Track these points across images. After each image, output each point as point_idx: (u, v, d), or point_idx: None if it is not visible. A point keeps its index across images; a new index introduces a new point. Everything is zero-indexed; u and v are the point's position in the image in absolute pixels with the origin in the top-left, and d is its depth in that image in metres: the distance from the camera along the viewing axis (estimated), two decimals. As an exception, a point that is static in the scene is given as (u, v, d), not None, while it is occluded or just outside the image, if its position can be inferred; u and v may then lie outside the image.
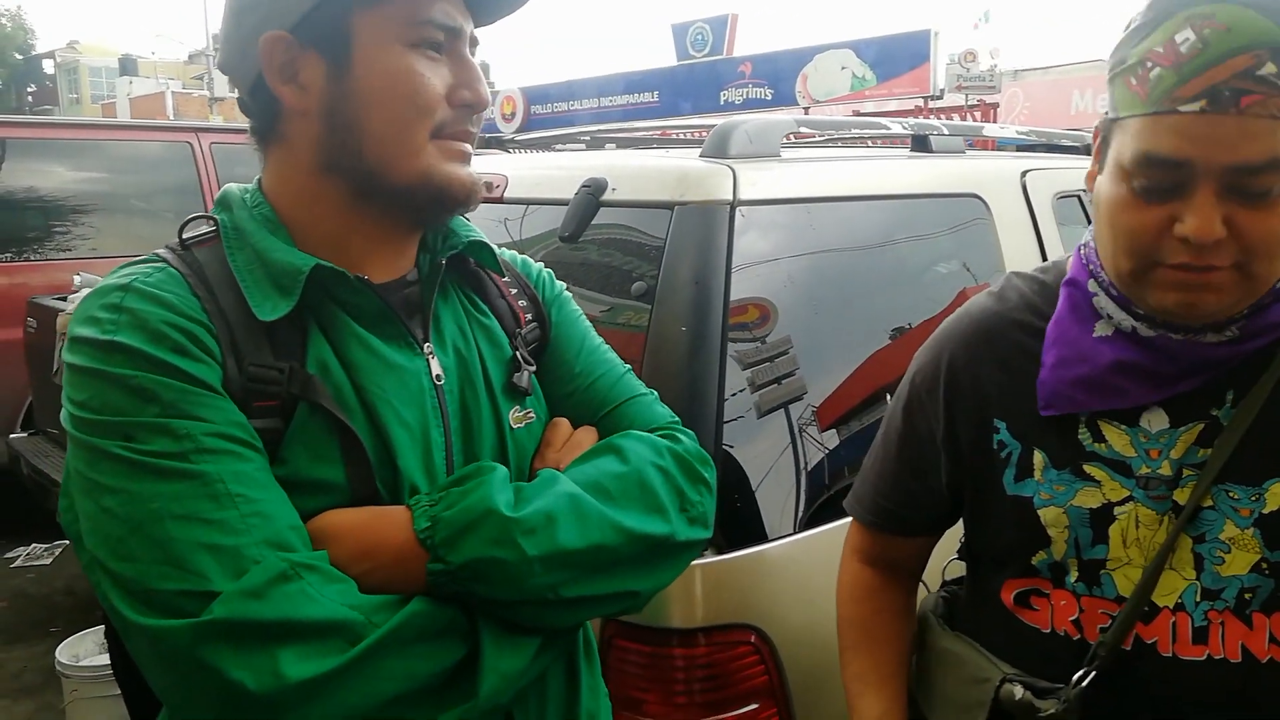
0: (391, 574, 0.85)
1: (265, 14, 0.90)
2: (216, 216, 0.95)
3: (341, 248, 0.94)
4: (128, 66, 45.92)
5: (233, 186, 0.98)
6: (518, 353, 1.04)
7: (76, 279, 4.47)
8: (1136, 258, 0.92)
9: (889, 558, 1.23)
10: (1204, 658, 0.97)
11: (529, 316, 1.09)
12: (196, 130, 6.12)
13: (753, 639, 1.40)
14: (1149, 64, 0.87)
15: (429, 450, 0.94)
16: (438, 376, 0.96)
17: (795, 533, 1.50)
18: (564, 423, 1.06)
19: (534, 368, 1.06)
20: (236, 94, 0.96)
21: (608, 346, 1.14)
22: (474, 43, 0.97)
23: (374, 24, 0.89)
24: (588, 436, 1.05)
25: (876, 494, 1.19)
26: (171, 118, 29.57)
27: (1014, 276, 1.13)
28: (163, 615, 0.76)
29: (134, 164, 5.79)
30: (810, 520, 1.52)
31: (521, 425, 1.02)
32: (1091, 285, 1.01)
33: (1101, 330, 1.00)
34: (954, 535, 1.27)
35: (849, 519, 1.26)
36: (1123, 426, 1.00)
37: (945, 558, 1.29)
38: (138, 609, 0.77)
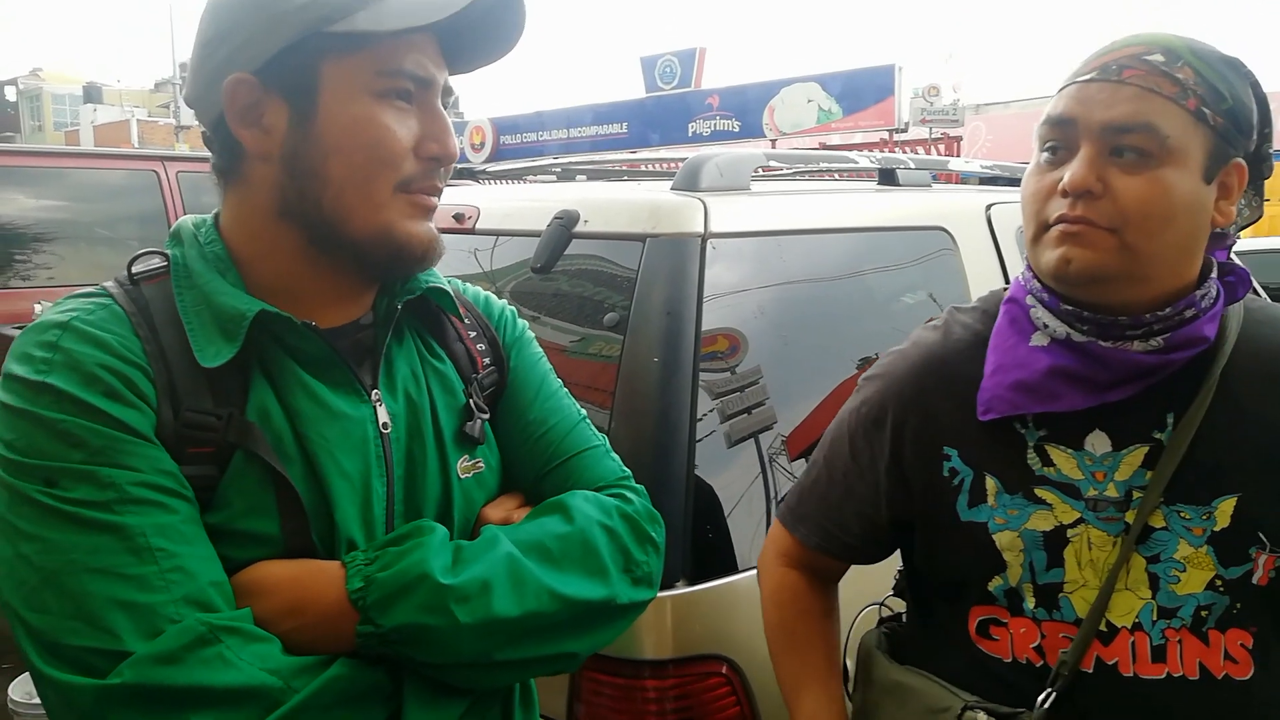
0: (319, 633, 0.84)
1: (231, 53, 0.87)
2: (169, 251, 0.93)
3: (294, 291, 0.92)
4: (92, 94, 45.50)
5: (187, 220, 0.96)
6: (471, 400, 1.02)
7: (37, 308, 4.42)
8: (1034, 220, 1.01)
9: (816, 568, 1.24)
10: (1164, 676, 0.98)
11: (487, 360, 1.07)
12: (163, 159, 6.09)
13: (724, 669, 1.39)
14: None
15: (369, 501, 0.92)
16: (384, 424, 0.94)
17: (767, 563, 1.50)
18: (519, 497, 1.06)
19: (487, 415, 1.04)
20: (200, 126, 0.94)
21: (566, 392, 1.12)
22: (448, 92, 0.94)
23: (342, 72, 0.87)
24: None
25: (820, 516, 1.20)
26: (136, 146, 29.32)
27: (955, 311, 1.17)
28: (71, 670, 0.74)
29: (99, 192, 5.75)
30: (781, 550, 1.53)
31: (470, 475, 1.00)
32: (1029, 299, 1.05)
33: (1038, 340, 1.03)
34: (886, 573, 1.29)
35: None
36: (1069, 450, 1.03)
37: (878, 594, 1.32)
38: (46, 660, 0.75)
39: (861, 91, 16.23)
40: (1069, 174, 0.96)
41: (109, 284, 0.90)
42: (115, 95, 45.73)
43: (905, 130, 16.13)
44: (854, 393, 1.20)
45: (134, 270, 0.91)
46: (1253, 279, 1.08)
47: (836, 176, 2.82)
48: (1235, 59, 0.99)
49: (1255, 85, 1.00)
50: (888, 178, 2.25)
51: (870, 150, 2.45)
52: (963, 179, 2.83)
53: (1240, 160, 0.99)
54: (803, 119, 16.93)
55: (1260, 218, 1.09)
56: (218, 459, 0.85)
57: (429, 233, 0.93)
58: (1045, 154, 1.01)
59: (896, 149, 13.79)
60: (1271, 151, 1.03)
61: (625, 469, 1.09)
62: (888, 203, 2.11)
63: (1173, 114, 0.94)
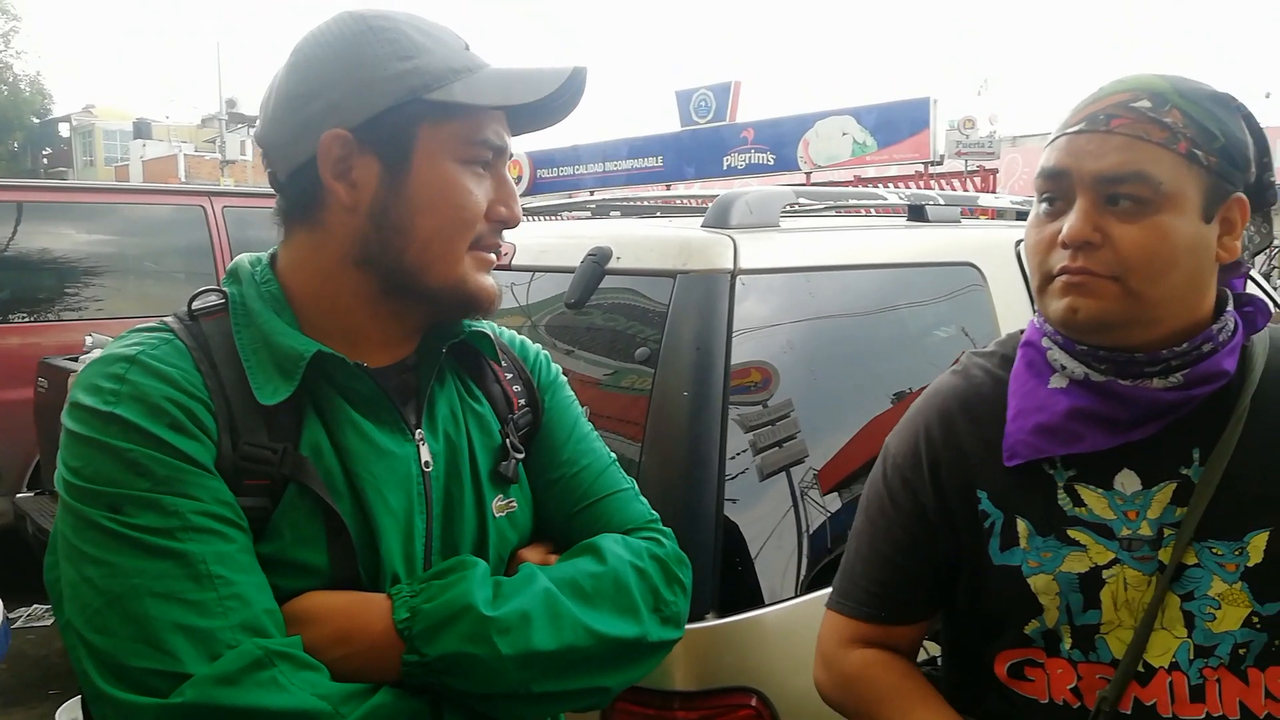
0: (366, 661, 0.86)
1: (327, 108, 0.91)
2: (226, 289, 0.96)
3: (348, 332, 0.96)
4: (142, 129, 46.71)
5: (244, 259, 1.00)
6: (508, 440, 1.05)
7: (88, 339, 4.53)
8: (1038, 271, 1.02)
9: (887, 644, 1.16)
10: (1203, 716, 0.97)
11: (522, 401, 1.10)
12: (209, 194, 6.22)
13: (754, 702, 1.40)
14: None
15: (411, 537, 0.95)
16: (426, 463, 0.97)
17: (797, 596, 1.51)
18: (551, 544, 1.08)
19: (523, 455, 1.07)
20: (268, 170, 0.98)
21: (597, 435, 1.15)
22: (511, 155, 1.01)
23: (435, 137, 0.92)
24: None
25: (869, 582, 1.15)
26: (183, 179, 29.97)
27: (973, 355, 1.17)
28: (133, 691, 0.77)
29: (147, 226, 5.89)
30: (812, 583, 1.54)
31: (504, 514, 1.03)
32: (1045, 341, 1.06)
33: (1057, 382, 1.03)
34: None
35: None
36: (1099, 490, 1.02)
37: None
38: (109, 680, 0.78)
39: (896, 124, 16.21)
40: (1066, 227, 0.97)
41: (169, 319, 0.94)
42: (164, 130, 46.89)
43: (940, 163, 16.07)
44: (879, 456, 1.19)
45: (194, 306, 0.95)
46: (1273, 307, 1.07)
47: (866, 213, 2.84)
48: (1224, 95, 0.99)
49: (1248, 118, 1.00)
50: (917, 214, 2.27)
51: (905, 183, 2.47)
52: (999, 214, 2.84)
53: (1240, 195, 0.99)
54: (837, 152, 16.93)
55: (1270, 243, 1.09)
56: (272, 491, 0.88)
57: (494, 286, 0.99)
58: (1043, 205, 1.02)
59: (932, 182, 13.76)
60: (1273, 180, 1.03)
61: (654, 513, 1.12)
62: (917, 239, 2.13)
63: (1164, 159, 0.94)
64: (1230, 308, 1.03)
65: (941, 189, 11.86)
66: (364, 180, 0.92)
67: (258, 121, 1.00)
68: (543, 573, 0.96)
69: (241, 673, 0.78)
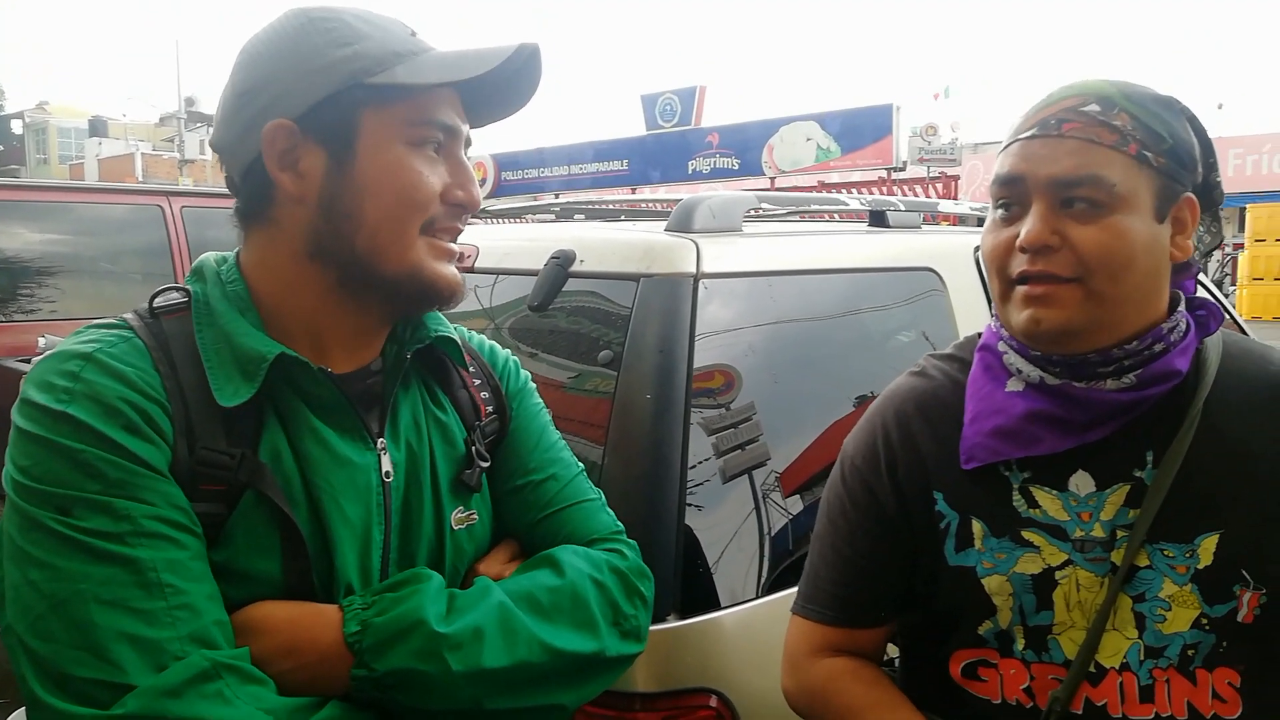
0: (314, 674, 0.85)
1: (270, 101, 0.90)
2: (190, 287, 0.94)
3: (312, 333, 0.95)
4: (98, 128, 45.89)
5: (209, 257, 0.98)
6: (473, 448, 1.04)
7: (41, 341, 4.43)
8: (998, 276, 1.03)
9: (853, 649, 1.17)
10: (1152, 716, 0.98)
11: (490, 408, 1.08)
12: (168, 193, 6.14)
13: (714, 702, 1.41)
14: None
15: (368, 548, 0.93)
16: (387, 473, 0.96)
17: (758, 597, 1.52)
18: (513, 544, 1.07)
19: (488, 463, 1.05)
20: (224, 173, 0.97)
21: (564, 444, 1.14)
22: (468, 143, 0.99)
23: (380, 121, 0.91)
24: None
25: (833, 586, 1.15)
26: (140, 179, 29.49)
27: (931, 357, 1.19)
28: (73, 700, 0.75)
29: (103, 226, 5.80)
30: (773, 585, 1.55)
31: (463, 527, 1.02)
32: (1001, 345, 1.07)
33: (1013, 386, 1.05)
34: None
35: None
36: (1053, 491, 1.03)
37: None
38: (48, 688, 0.76)
39: (860, 130, 16.39)
40: (1024, 232, 0.98)
41: (129, 316, 0.92)
42: (120, 129, 46.11)
43: (903, 169, 16.26)
44: (838, 459, 1.20)
45: (155, 304, 0.93)
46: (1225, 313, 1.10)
47: (828, 218, 2.87)
48: (1169, 98, 1.02)
49: (1193, 120, 1.02)
50: (878, 219, 2.30)
51: (868, 189, 2.50)
52: (959, 220, 2.88)
53: (1190, 194, 1.01)
54: (801, 157, 17.07)
55: (1221, 242, 1.12)
56: (228, 497, 0.86)
57: (454, 275, 0.97)
58: (1000, 210, 1.03)
59: (895, 188, 13.90)
60: (1219, 180, 1.06)
61: (619, 524, 1.11)
62: (877, 244, 2.15)
63: (1116, 161, 0.96)
64: (1182, 309, 1.05)
65: (904, 195, 11.99)
66: (310, 170, 0.91)
67: (213, 125, 0.99)
68: (499, 586, 0.95)
69: (186, 685, 0.76)
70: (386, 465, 0.96)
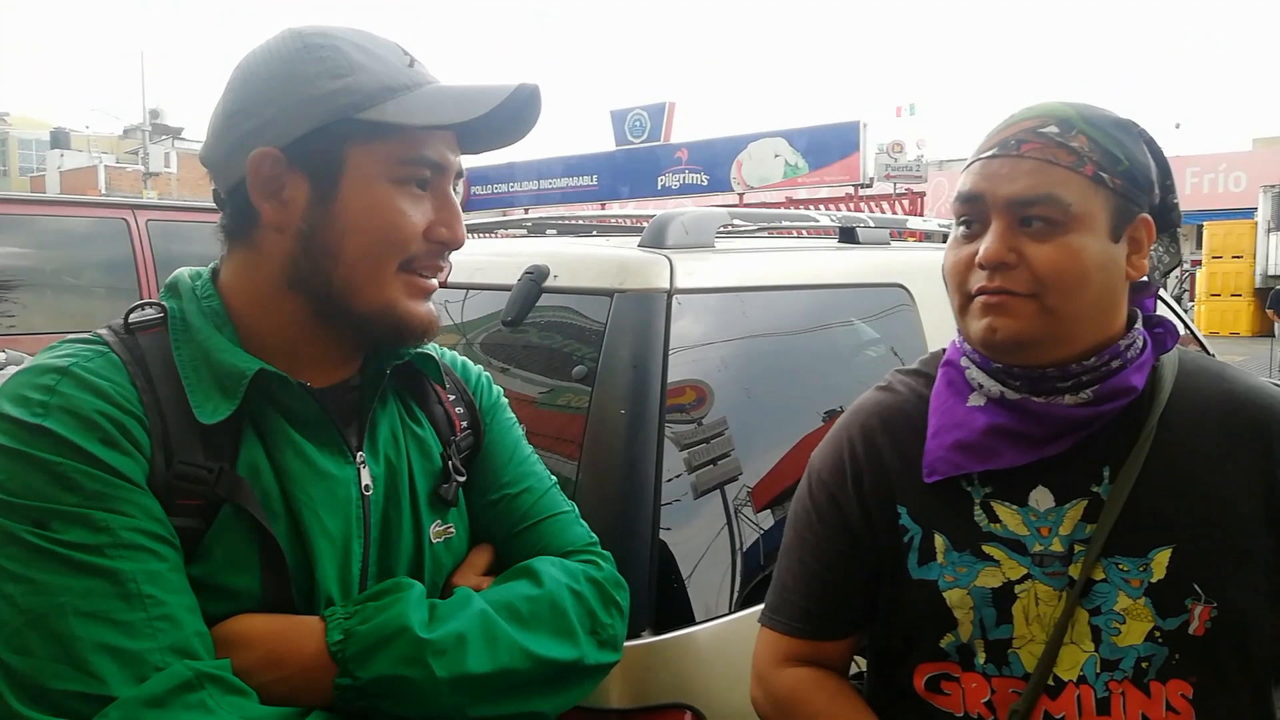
0: (297, 685, 0.85)
1: (259, 126, 0.90)
2: (165, 303, 0.94)
3: (289, 350, 0.94)
4: (60, 139, 45.22)
5: (184, 272, 0.98)
6: (450, 462, 1.04)
7: (1, 355, 4.36)
8: (958, 292, 1.06)
9: (819, 661, 1.18)
10: None
11: (464, 424, 1.09)
12: (132, 206, 6.06)
13: (688, 718, 1.41)
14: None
15: (348, 561, 0.93)
16: (366, 487, 0.96)
17: (731, 612, 1.53)
18: (489, 549, 1.07)
19: (464, 478, 1.06)
20: (213, 186, 0.97)
21: (538, 458, 1.15)
22: (459, 175, 0.98)
23: (366, 157, 0.90)
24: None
25: (800, 598, 1.16)
26: (103, 192, 29.10)
27: (898, 372, 1.21)
28: (53, 713, 0.74)
29: (66, 239, 5.72)
30: (746, 600, 1.55)
31: (441, 540, 1.02)
32: (964, 361, 1.10)
33: (975, 400, 1.07)
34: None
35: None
36: (1014, 506, 1.05)
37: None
38: (24, 702, 0.75)
39: (827, 147, 16.54)
40: (983, 249, 1.01)
41: (104, 331, 0.91)
42: (83, 141, 45.49)
43: (870, 185, 16.42)
44: (805, 473, 1.21)
45: (130, 319, 0.92)
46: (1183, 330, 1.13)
47: (798, 234, 2.89)
48: (1127, 121, 1.05)
49: (1150, 143, 1.06)
50: (848, 236, 2.32)
51: (836, 205, 2.53)
52: (926, 237, 2.92)
53: (1146, 215, 1.04)
54: (770, 173, 17.19)
55: (1179, 263, 1.15)
56: (205, 512, 0.86)
57: (428, 313, 0.97)
58: (961, 228, 1.06)
59: (862, 204, 14.04)
60: (1176, 202, 1.09)
61: (593, 535, 1.12)
62: (847, 260, 2.18)
63: (1072, 182, 0.99)
64: (1139, 327, 1.07)
65: (871, 211, 12.11)
66: (293, 200, 0.91)
67: (205, 137, 0.98)
68: (479, 596, 0.95)
69: (170, 694, 0.76)
70: (366, 479, 0.96)
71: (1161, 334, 1.08)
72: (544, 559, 1.04)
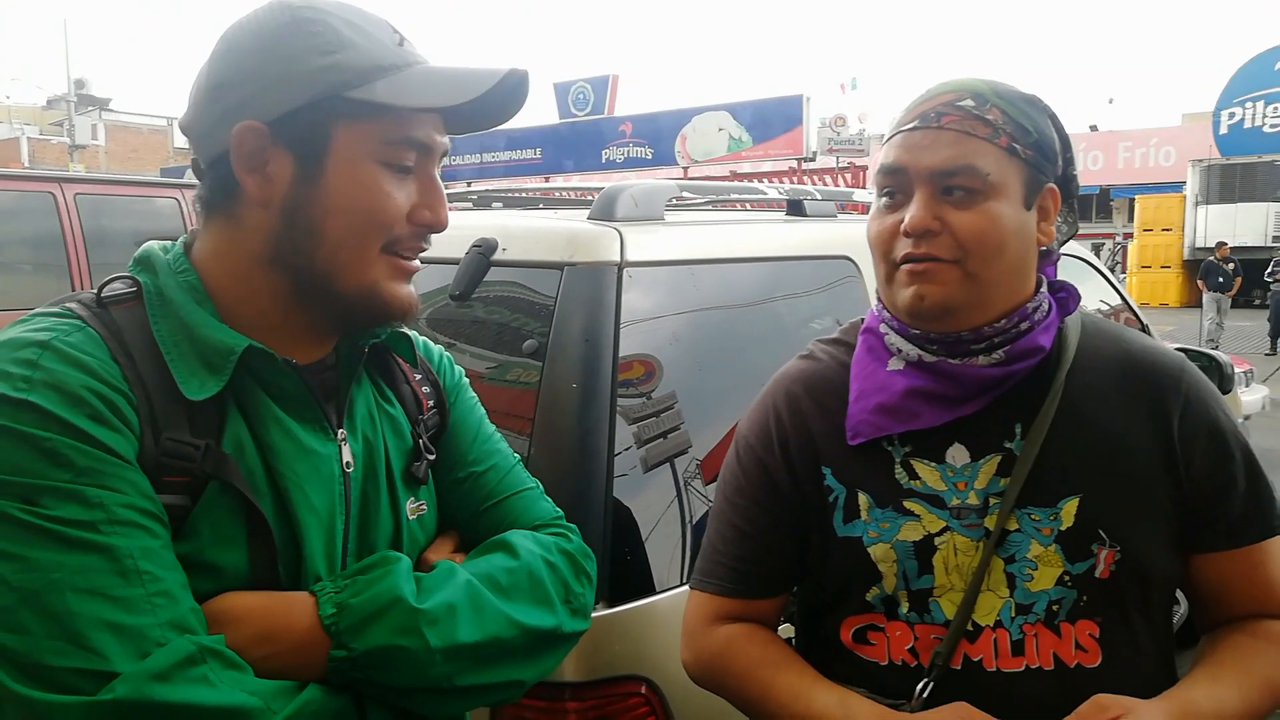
0: (291, 660, 0.85)
1: (244, 99, 0.88)
2: (137, 277, 0.92)
3: (268, 329, 0.93)
4: (-22, 110, 43.49)
5: (154, 245, 0.95)
6: (420, 441, 1.05)
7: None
8: (883, 260, 1.10)
9: (750, 617, 1.21)
10: (1023, 668, 1.06)
11: (431, 403, 1.09)
12: (60, 180, 5.86)
13: (643, 690, 1.42)
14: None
15: (333, 538, 0.94)
16: (348, 464, 0.96)
17: (683, 583, 1.54)
18: (455, 533, 1.09)
19: (434, 456, 1.07)
20: (192, 156, 0.95)
21: (500, 436, 1.16)
22: (445, 154, 0.97)
23: (353, 137, 0.89)
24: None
25: (730, 559, 1.19)
26: (26, 165, 28.11)
27: (820, 341, 1.26)
28: (53, 691, 0.73)
29: (-13, 214, 5.51)
30: (698, 570, 1.57)
31: (415, 516, 1.03)
32: (883, 327, 1.14)
33: (894, 365, 1.12)
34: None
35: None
36: (932, 463, 1.11)
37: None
38: (20, 680, 0.74)
39: (771, 121, 16.61)
40: (909, 217, 1.05)
41: (73, 305, 0.89)
42: (4, 112, 43.78)
43: (813, 159, 16.55)
44: (733, 439, 1.24)
45: (103, 294, 0.90)
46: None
47: (747, 207, 2.90)
48: (1033, 96, 1.10)
49: (1053, 117, 1.11)
50: (796, 209, 2.34)
51: (780, 179, 2.54)
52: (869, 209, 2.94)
53: (1052, 185, 1.10)
54: (714, 147, 17.23)
55: (1077, 231, 1.22)
56: (192, 489, 0.85)
57: (410, 295, 0.96)
58: (884, 199, 1.10)
59: (805, 178, 14.14)
60: (1075, 174, 1.15)
61: (559, 509, 1.13)
62: (795, 232, 2.19)
63: (989, 152, 1.04)
64: (1044, 290, 1.13)
65: (814, 184, 12.18)
66: (277, 175, 0.89)
67: (186, 106, 0.95)
68: (461, 568, 0.96)
69: (175, 669, 0.75)
70: (347, 456, 0.96)
71: (1064, 297, 1.14)
72: (516, 532, 1.05)
